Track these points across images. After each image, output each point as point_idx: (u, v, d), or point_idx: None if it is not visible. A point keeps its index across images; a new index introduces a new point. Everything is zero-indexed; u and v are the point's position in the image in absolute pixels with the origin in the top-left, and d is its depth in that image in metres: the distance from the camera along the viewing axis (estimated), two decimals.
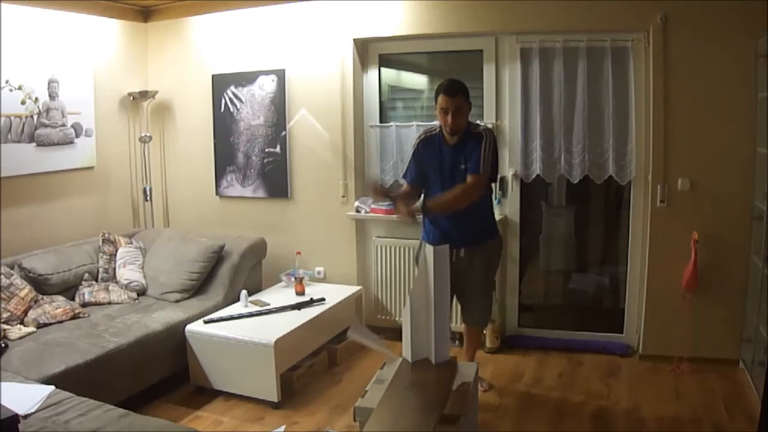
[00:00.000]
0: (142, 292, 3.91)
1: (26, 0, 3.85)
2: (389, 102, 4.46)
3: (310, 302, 3.81)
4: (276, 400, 3.26)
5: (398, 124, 4.23)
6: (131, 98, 4.66)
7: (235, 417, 3.21)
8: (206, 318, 3.56)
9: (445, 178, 3.11)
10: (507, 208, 4.08)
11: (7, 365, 2.81)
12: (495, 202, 4.02)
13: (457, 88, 3.02)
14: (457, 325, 3.79)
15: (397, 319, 4.23)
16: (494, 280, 3.46)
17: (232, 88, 4.53)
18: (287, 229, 4.52)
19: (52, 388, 2.54)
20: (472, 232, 3.14)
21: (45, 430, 2.21)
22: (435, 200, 3.09)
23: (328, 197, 4.36)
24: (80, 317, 3.47)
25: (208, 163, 4.70)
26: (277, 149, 4.45)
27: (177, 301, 3.78)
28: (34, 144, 3.96)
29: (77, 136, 4.24)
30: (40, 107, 3.97)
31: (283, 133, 4.41)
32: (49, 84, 4.01)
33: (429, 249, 2.72)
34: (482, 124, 3.56)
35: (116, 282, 3.90)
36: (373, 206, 4.24)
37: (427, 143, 3.16)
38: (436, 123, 3.21)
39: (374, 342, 2.99)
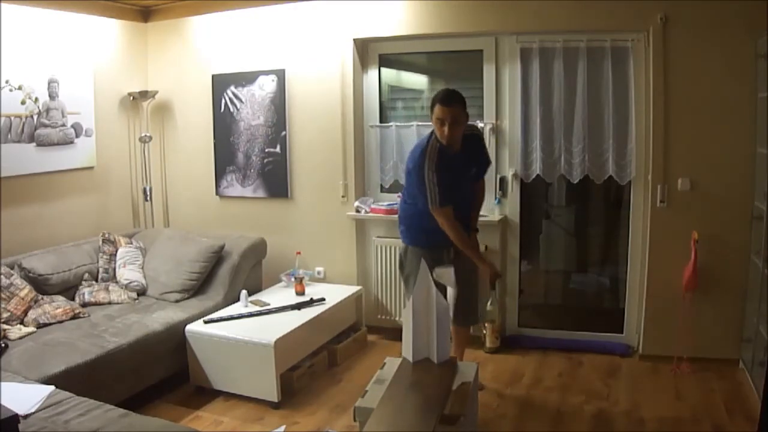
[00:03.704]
0: (142, 292, 3.91)
1: (26, 0, 3.85)
2: (389, 102, 4.46)
3: (310, 302, 3.81)
4: (276, 400, 3.26)
5: (398, 124, 4.23)
6: (131, 98, 4.66)
7: (235, 417, 3.21)
8: (206, 318, 3.56)
9: (461, 185, 3.10)
10: (507, 208, 4.08)
11: (7, 365, 2.81)
12: (495, 202, 4.04)
13: (454, 97, 2.93)
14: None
15: (397, 319, 4.24)
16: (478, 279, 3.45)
17: (232, 88, 4.53)
18: (287, 229, 4.52)
19: (52, 388, 2.54)
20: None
21: (45, 430, 2.21)
22: (474, 222, 3.29)
23: (328, 197, 4.37)
24: (80, 317, 3.47)
25: (208, 163, 4.70)
26: (277, 149, 4.46)
27: (177, 301, 3.78)
28: (34, 144, 3.96)
29: (77, 136, 4.24)
30: (40, 107, 3.97)
31: (283, 133, 4.42)
32: (49, 84, 4.01)
33: (426, 254, 2.75)
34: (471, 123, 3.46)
35: (116, 282, 3.90)
36: (373, 206, 4.24)
37: (439, 161, 2.95)
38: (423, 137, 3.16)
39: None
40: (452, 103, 2.91)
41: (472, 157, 3.15)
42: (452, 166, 3.01)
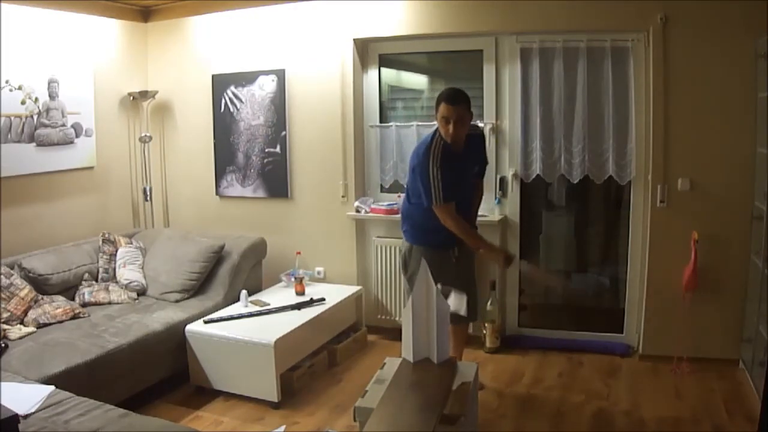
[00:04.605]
0: (142, 292, 3.91)
1: (26, 0, 3.85)
2: (389, 102, 4.46)
3: (310, 302, 3.81)
4: (276, 400, 3.26)
5: (398, 124, 4.23)
6: (131, 98, 4.66)
7: (235, 417, 3.21)
8: (206, 318, 3.56)
9: (463, 184, 3.12)
10: (507, 208, 4.08)
11: (7, 365, 2.81)
12: (495, 202, 4.04)
13: (459, 96, 2.95)
14: None
15: (397, 319, 4.24)
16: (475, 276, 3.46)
17: (232, 88, 4.53)
18: (287, 229, 4.52)
19: (52, 388, 2.54)
20: None
21: (45, 430, 2.21)
22: (474, 220, 3.34)
23: (328, 197, 4.37)
24: (80, 317, 3.47)
25: (208, 163, 4.70)
26: (277, 149, 4.45)
27: (177, 301, 3.78)
28: (34, 144, 3.96)
29: (77, 136, 4.24)
30: (40, 107, 3.97)
31: (283, 133, 4.42)
32: (49, 84, 4.01)
33: (431, 253, 2.74)
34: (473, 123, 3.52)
35: (116, 282, 3.90)
36: (373, 206, 4.24)
37: (444, 157, 2.97)
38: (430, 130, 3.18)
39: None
40: (457, 102, 2.93)
41: (474, 156, 3.18)
42: (455, 164, 3.02)
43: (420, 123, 4.15)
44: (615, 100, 3.71)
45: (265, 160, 4.51)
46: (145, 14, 4.72)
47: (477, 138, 3.21)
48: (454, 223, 3.02)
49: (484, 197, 3.51)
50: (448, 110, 2.92)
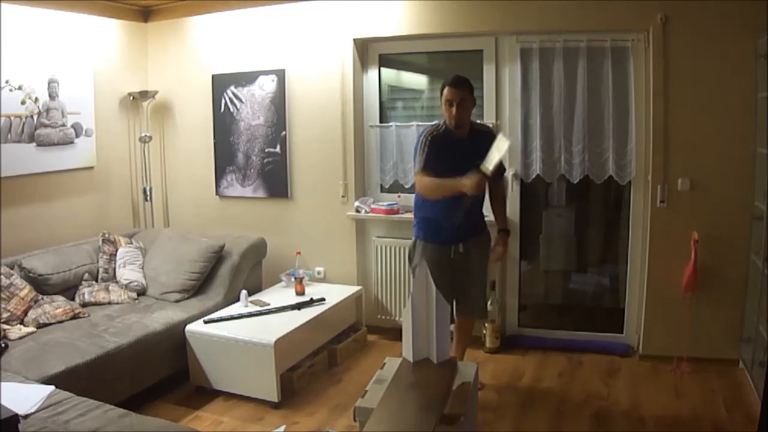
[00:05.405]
0: (142, 292, 3.91)
1: (26, 0, 3.85)
2: (389, 102, 4.46)
3: (310, 302, 3.81)
4: (276, 400, 3.26)
5: (398, 124, 4.23)
6: (131, 98, 4.66)
7: (235, 417, 3.21)
8: (206, 318, 3.56)
9: (459, 173, 3.07)
10: (507, 208, 4.06)
11: (7, 365, 2.81)
12: None
13: (462, 81, 3.08)
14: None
15: (397, 319, 4.24)
16: (488, 275, 3.47)
17: (232, 88, 4.53)
18: (287, 229, 4.52)
19: (52, 388, 2.54)
20: (470, 226, 3.20)
21: (45, 430, 2.21)
22: (501, 222, 3.37)
23: (328, 197, 4.37)
24: (80, 317, 3.47)
25: (208, 163, 4.70)
26: (277, 149, 4.45)
27: (177, 301, 3.78)
28: (34, 144, 3.96)
29: (77, 136, 4.24)
30: (40, 107, 3.97)
31: (283, 133, 4.42)
32: (49, 84, 4.01)
33: (430, 248, 2.74)
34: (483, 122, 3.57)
35: (116, 282, 3.90)
36: (373, 206, 4.24)
37: (438, 139, 3.09)
38: (433, 124, 3.21)
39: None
40: (460, 86, 3.05)
41: (479, 150, 3.12)
42: (455, 149, 3.07)
43: (420, 123, 4.14)
44: (615, 100, 3.71)
45: (265, 160, 4.51)
46: (145, 14, 4.72)
47: (487, 135, 3.18)
48: (428, 186, 3.05)
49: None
50: (451, 93, 3.04)
